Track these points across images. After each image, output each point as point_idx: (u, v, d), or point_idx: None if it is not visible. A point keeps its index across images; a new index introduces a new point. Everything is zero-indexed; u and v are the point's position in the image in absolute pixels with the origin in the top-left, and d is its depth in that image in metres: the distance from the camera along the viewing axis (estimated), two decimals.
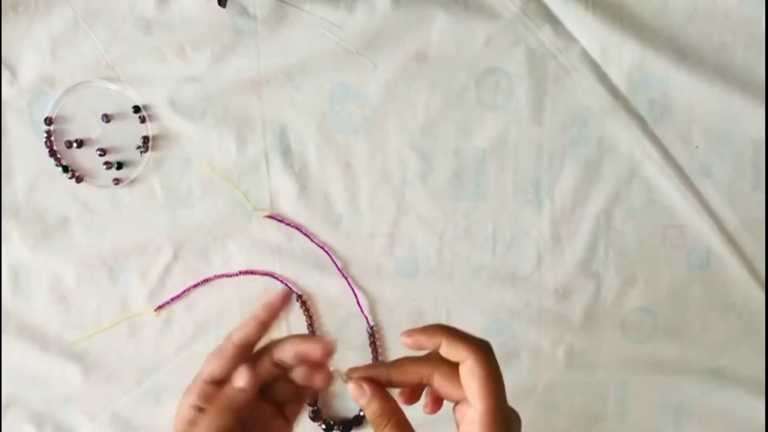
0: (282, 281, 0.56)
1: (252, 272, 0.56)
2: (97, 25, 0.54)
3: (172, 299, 0.56)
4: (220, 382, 0.37)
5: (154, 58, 0.54)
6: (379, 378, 0.37)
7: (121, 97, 0.55)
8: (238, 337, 0.38)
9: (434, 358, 0.37)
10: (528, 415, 0.57)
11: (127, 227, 0.56)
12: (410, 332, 0.37)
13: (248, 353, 0.38)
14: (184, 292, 0.56)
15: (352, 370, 0.37)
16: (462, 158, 0.55)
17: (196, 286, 0.56)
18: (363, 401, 0.37)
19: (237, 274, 0.56)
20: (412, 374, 0.37)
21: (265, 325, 0.38)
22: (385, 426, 0.37)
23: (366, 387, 0.37)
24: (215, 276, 0.56)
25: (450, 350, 0.36)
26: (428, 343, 0.37)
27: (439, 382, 0.37)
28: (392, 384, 0.37)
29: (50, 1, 0.54)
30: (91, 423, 0.58)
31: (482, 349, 0.36)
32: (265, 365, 0.38)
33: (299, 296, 0.56)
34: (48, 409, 0.58)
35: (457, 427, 0.38)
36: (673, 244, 0.55)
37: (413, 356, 0.38)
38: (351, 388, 0.37)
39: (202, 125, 0.55)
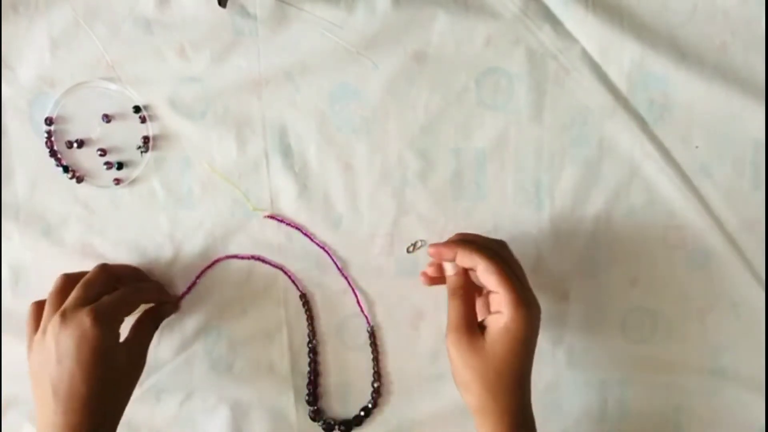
0: (290, 276, 0.56)
1: (262, 260, 0.56)
2: (98, 25, 0.54)
3: (189, 288, 0.56)
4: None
5: (155, 58, 0.54)
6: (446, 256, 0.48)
7: (121, 97, 0.55)
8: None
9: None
10: None
11: (128, 227, 0.56)
12: (434, 246, 0.49)
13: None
14: (199, 276, 0.56)
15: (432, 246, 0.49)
16: (462, 158, 0.55)
17: (209, 267, 0.56)
18: (450, 272, 0.49)
19: (249, 258, 0.56)
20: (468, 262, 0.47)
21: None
22: (455, 298, 0.48)
23: (453, 266, 0.49)
24: (226, 256, 0.56)
25: (463, 259, 0.47)
26: (448, 255, 0.48)
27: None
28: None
29: (50, 1, 0.54)
30: None
31: (491, 261, 0.46)
32: None
33: (302, 295, 0.56)
34: None
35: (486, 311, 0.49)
36: (673, 244, 0.55)
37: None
38: (445, 265, 0.50)
39: (202, 125, 0.55)
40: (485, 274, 0.46)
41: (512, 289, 0.45)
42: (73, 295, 0.49)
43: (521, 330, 0.45)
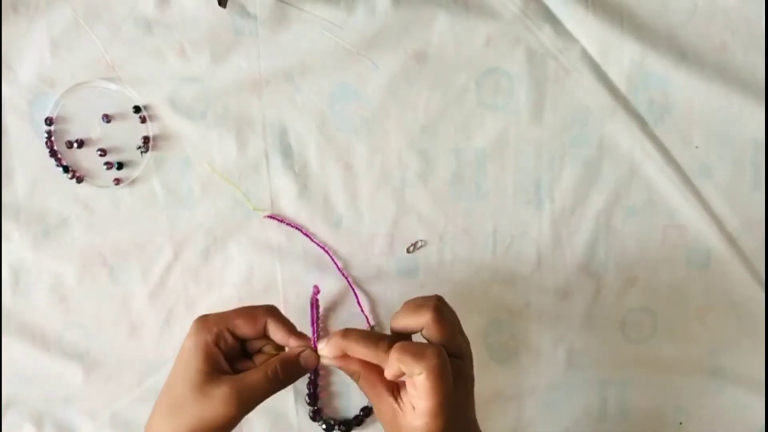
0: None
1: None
2: (98, 25, 0.54)
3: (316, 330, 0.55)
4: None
5: (155, 58, 0.54)
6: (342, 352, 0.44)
7: (121, 97, 0.55)
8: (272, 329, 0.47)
9: (383, 346, 0.42)
10: (528, 415, 0.57)
11: (128, 227, 0.56)
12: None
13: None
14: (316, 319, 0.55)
15: (324, 348, 0.44)
16: (462, 158, 0.55)
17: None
18: (335, 366, 0.45)
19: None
20: (364, 356, 0.43)
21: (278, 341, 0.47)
22: (358, 380, 0.44)
23: (337, 360, 0.44)
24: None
25: (405, 367, 0.41)
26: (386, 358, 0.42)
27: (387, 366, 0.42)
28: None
29: (50, 1, 0.54)
30: (91, 423, 0.58)
31: (433, 366, 0.40)
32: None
33: (316, 294, 0.56)
34: (48, 408, 0.58)
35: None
36: (673, 244, 0.55)
37: (368, 337, 0.43)
38: (324, 362, 0.45)
39: (202, 125, 0.55)
40: (419, 386, 0.41)
41: (430, 410, 0.40)
42: None
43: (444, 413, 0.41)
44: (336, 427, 0.57)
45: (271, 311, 0.47)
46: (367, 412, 0.57)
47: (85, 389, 0.57)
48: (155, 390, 0.57)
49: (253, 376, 0.45)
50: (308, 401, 0.57)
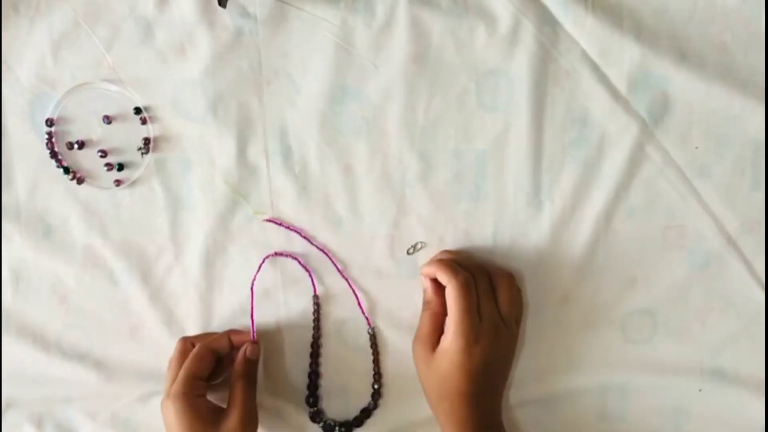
0: (307, 270, 0.56)
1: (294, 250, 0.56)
2: (98, 26, 0.54)
3: (252, 322, 0.56)
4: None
5: (155, 59, 0.55)
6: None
7: (122, 98, 0.55)
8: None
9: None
10: (528, 416, 0.57)
11: (128, 229, 0.56)
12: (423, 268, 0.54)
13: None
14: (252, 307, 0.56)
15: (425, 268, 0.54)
16: (462, 159, 0.55)
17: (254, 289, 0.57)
18: (425, 285, 0.54)
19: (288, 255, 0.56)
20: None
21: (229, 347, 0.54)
22: (425, 311, 0.53)
23: (427, 281, 0.53)
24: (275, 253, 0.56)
25: (439, 275, 0.51)
26: (427, 273, 0.53)
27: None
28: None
29: (51, 2, 0.54)
30: (91, 423, 0.58)
31: (454, 281, 0.50)
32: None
33: (316, 296, 0.56)
34: (48, 409, 0.58)
35: None
36: (672, 244, 0.55)
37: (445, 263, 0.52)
38: (422, 280, 0.54)
39: (202, 126, 0.55)
40: (447, 293, 0.50)
41: (454, 320, 0.49)
42: (167, 379, 0.52)
43: (455, 357, 0.49)
44: (336, 428, 0.57)
45: (208, 346, 0.52)
46: (367, 413, 0.57)
47: (84, 389, 0.57)
48: (155, 390, 0.57)
49: (239, 388, 0.52)
50: (309, 402, 0.57)
